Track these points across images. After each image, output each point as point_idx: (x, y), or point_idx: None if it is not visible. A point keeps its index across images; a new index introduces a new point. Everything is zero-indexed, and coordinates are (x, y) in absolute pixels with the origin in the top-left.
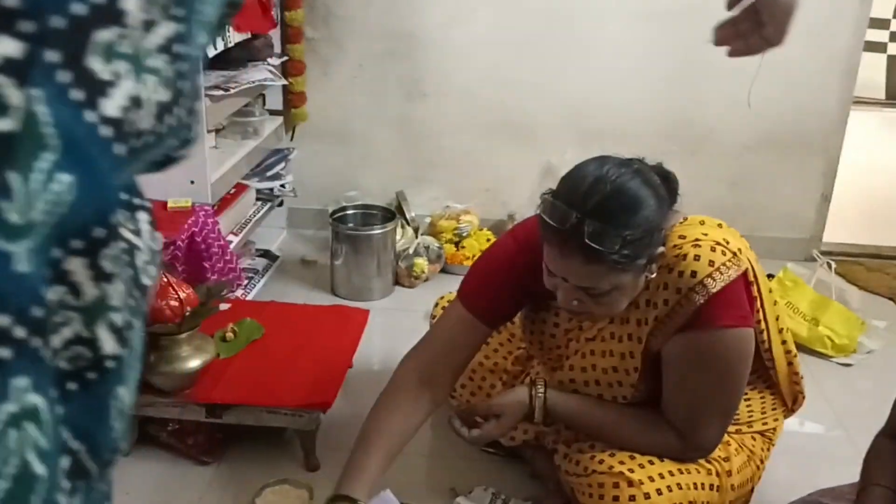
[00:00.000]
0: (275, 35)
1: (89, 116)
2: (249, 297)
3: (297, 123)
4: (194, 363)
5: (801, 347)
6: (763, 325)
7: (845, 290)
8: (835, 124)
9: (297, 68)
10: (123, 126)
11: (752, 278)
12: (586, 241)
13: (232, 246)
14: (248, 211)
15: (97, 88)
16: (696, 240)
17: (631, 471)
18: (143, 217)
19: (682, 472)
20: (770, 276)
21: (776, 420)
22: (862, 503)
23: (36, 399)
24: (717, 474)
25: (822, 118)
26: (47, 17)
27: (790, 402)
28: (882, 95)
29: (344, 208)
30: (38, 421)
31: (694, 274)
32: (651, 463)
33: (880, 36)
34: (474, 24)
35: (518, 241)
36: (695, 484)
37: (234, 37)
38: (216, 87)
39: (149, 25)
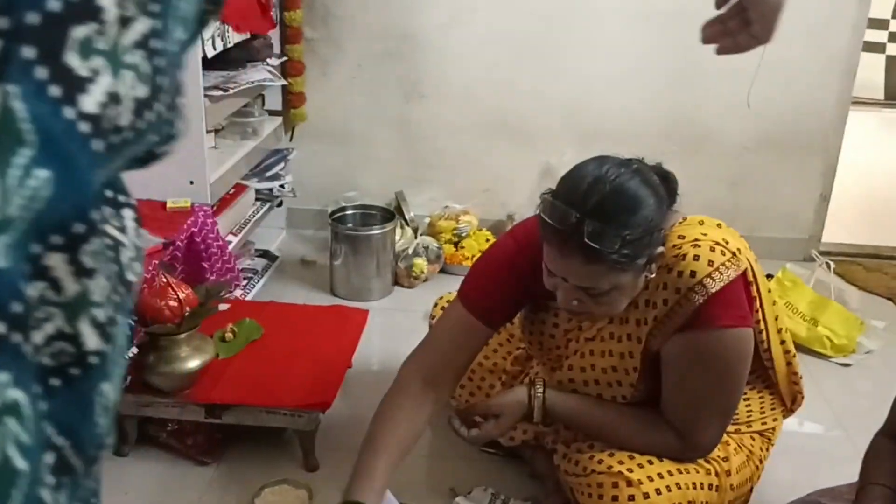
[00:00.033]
0: (274, 35)
1: (67, 113)
2: (249, 298)
3: (297, 124)
4: (193, 363)
5: (800, 347)
6: (762, 325)
7: (844, 290)
8: (834, 125)
9: (296, 69)
10: (102, 122)
11: (751, 278)
12: (586, 240)
13: (231, 246)
14: (247, 211)
15: (75, 85)
16: (696, 240)
17: (630, 470)
18: (128, 214)
19: (681, 472)
20: (769, 277)
21: (775, 420)
22: (860, 502)
23: (17, 394)
24: (717, 474)
25: (821, 118)
26: (21, 13)
27: (789, 402)
28: (881, 96)
29: (343, 208)
30: (20, 416)
31: (693, 274)
32: (650, 463)
33: (879, 36)
34: (473, 24)
35: (518, 241)
36: (694, 484)
37: (234, 37)
38: (215, 87)
39: (126, 21)
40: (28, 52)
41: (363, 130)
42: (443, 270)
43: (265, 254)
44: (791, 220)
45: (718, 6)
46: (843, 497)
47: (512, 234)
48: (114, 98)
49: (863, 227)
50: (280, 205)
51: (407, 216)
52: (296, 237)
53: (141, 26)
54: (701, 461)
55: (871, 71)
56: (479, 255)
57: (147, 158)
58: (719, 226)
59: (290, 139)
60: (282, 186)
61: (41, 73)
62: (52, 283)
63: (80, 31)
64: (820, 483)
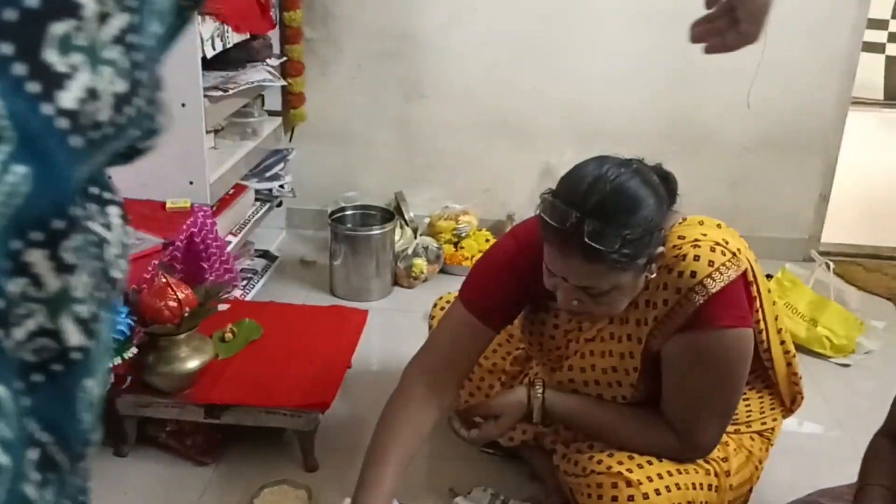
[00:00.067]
0: (273, 36)
1: (46, 109)
2: (248, 298)
3: (296, 124)
4: (193, 364)
5: (800, 348)
6: (762, 325)
7: (844, 290)
8: (833, 125)
9: (295, 69)
10: (80, 118)
11: (751, 278)
12: (586, 240)
13: (231, 246)
14: (246, 211)
15: (54, 81)
16: (696, 240)
17: (629, 471)
18: (113, 211)
19: (680, 473)
20: (768, 277)
21: (775, 420)
22: (860, 503)
23: None
24: (716, 474)
25: (821, 119)
26: None
27: (788, 402)
28: (881, 96)
29: (343, 209)
30: (1, 411)
31: (693, 274)
32: (650, 463)
33: (879, 37)
34: (473, 24)
35: (519, 241)
36: (693, 484)
37: (233, 37)
38: (215, 87)
39: (104, 17)
40: (6, 48)
41: (363, 130)
42: (442, 271)
43: (265, 254)
44: (791, 221)
45: (708, 6)
46: (843, 497)
47: (512, 234)
48: (92, 94)
49: (862, 228)
50: (280, 205)
51: (406, 216)
52: (295, 237)
53: (119, 21)
54: (700, 461)
55: (871, 71)
56: (478, 255)
57: (130, 154)
58: (719, 226)
59: (290, 139)
60: (281, 187)
61: (19, 69)
62: (33, 279)
63: (58, 28)
64: (819, 483)
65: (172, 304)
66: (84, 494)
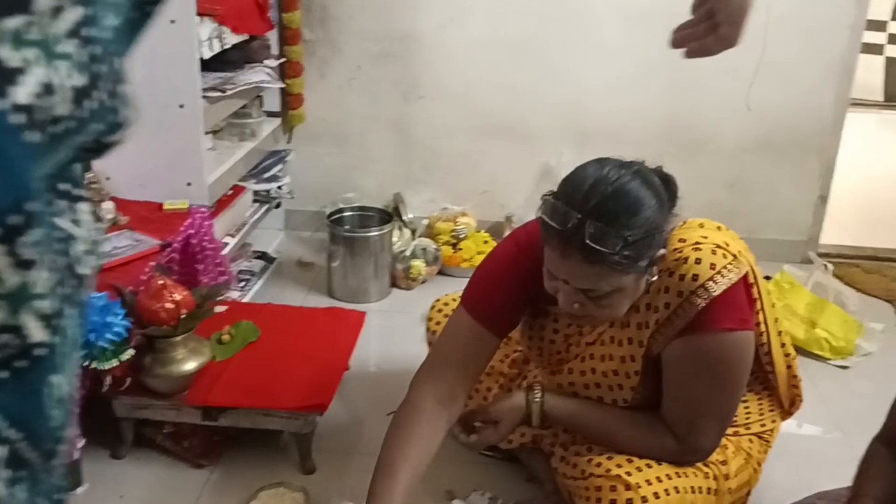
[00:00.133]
0: (272, 37)
1: None
2: (246, 300)
3: (295, 125)
4: (190, 366)
5: (798, 350)
6: (763, 328)
7: (842, 292)
8: (832, 126)
9: (294, 70)
10: (36, 113)
11: (752, 280)
12: (587, 241)
13: (229, 248)
14: (245, 213)
15: (6, 76)
16: (697, 243)
17: (628, 474)
18: (83, 207)
19: (679, 476)
20: (767, 279)
21: (774, 422)
22: None
23: None
24: (715, 478)
25: (820, 120)
26: None
27: (787, 404)
28: (880, 97)
29: (341, 210)
30: None
31: (695, 277)
32: (648, 466)
33: (878, 38)
34: (472, 26)
35: (520, 245)
36: (692, 487)
37: (231, 38)
38: (213, 88)
39: (57, 11)
40: None
41: (361, 132)
42: (441, 272)
43: (263, 255)
44: (789, 222)
45: (693, 11)
46: (841, 500)
47: (513, 238)
48: (48, 88)
49: (861, 229)
50: (278, 206)
51: (405, 218)
52: (293, 239)
53: (73, 15)
54: (699, 465)
55: (870, 72)
56: (477, 256)
57: (97, 149)
58: (719, 228)
59: (288, 141)
60: (280, 188)
61: None
62: None
63: (10, 23)
64: (818, 486)
65: (169, 305)
66: (60, 493)
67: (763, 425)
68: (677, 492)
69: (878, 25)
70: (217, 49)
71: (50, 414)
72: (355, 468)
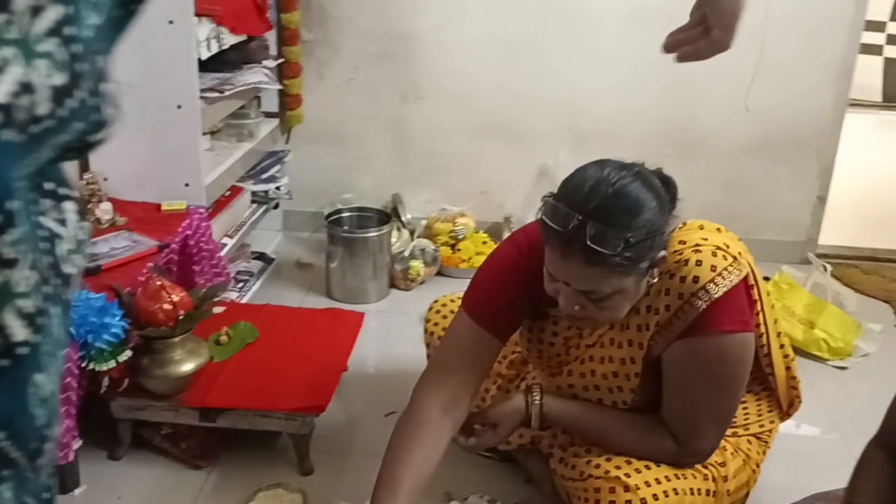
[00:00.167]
0: (270, 37)
1: None
2: (244, 300)
3: (293, 126)
4: (188, 367)
5: (797, 350)
6: (763, 329)
7: (841, 292)
8: (830, 127)
9: (292, 70)
10: (14, 112)
11: (752, 282)
12: (588, 243)
13: (227, 248)
14: (243, 213)
15: None
16: (697, 245)
17: (627, 475)
18: (68, 207)
19: (678, 478)
20: (766, 279)
21: (772, 423)
22: None
23: None
24: (714, 479)
25: (818, 121)
26: None
27: (786, 406)
28: (879, 98)
29: (339, 211)
30: None
31: (696, 279)
32: (647, 468)
33: (877, 38)
34: (470, 26)
35: (521, 248)
36: (691, 489)
37: (229, 39)
38: (211, 89)
39: (36, 10)
40: None
41: (359, 132)
42: (439, 273)
43: (261, 256)
44: (788, 223)
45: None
46: (839, 501)
47: (512, 240)
48: (26, 87)
49: (860, 230)
50: (276, 207)
51: (403, 218)
52: (292, 239)
53: (53, 14)
54: (698, 466)
55: (869, 73)
56: (475, 257)
57: (81, 148)
58: (719, 230)
59: (287, 141)
60: (278, 188)
61: None
62: None
63: None
64: (816, 486)
65: (167, 306)
66: (49, 492)
67: (762, 426)
68: (676, 493)
69: (876, 26)
70: (215, 49)
71: (34, 413)
72: (353, 469)
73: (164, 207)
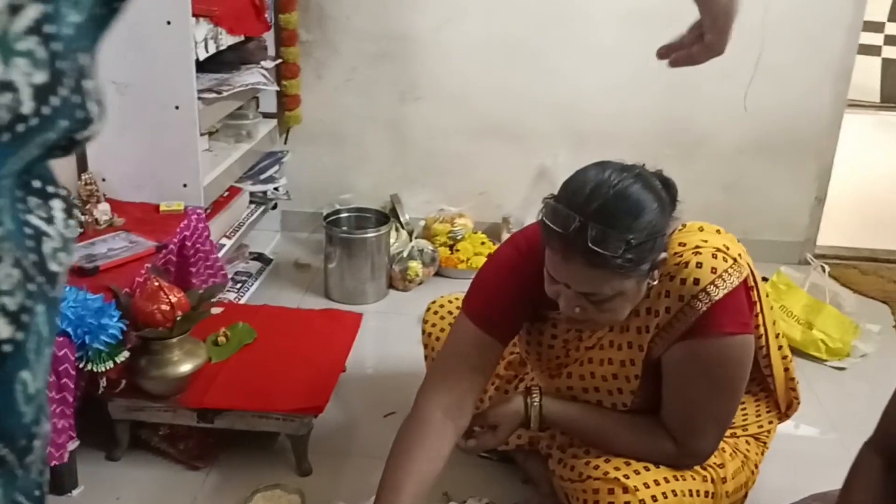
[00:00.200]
0: (269, 38)
1: None
2: (242, 301)
3: (291, 126)
4: (186, 367)
5: (795, 351)
6: (762, 331)
7: (839, 293)
8: (829, 127)
9: (291, 71)
10: None
11: (751, 283)
12: (589, 244)
13: (225, 249)
14: (241, 214)
15: None
16: (697, 247)
17: (626, 477)
18: (56, 205)
19: (677, 479)
20: (764, 280)
21: (770, 423)
22: None
23: None
24: (713, 481)
25: (817, 121)
26: None
27: (784, 407)
28: (877, 98)
29: (338, 211)
30: None
31: (697, 281)
32: (646, 469)
33: (875, 39)
34: (468, 27)
35: (520, 250)
36: (690, 491)
37: (227, 39)
38: (209, 90)
39: (15, 9)
40: None
41: (358, 133)
42: (438, 273)
43: (259, 257)
44: (786, 223)
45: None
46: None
47: (512, 242)
48: (7, 86)
49: (858, 230)
50: (275, 207)
51: (402, 219)
52: (290, 240)
53: (32, 12)
54: (697, 468)
55: (867, 74)
56: (474, 258)
57: (68, 145)
58: (718, 231)
59: (285, 142)
60: (276, 189)
61: None
62: None
63: None
64: (814, 487)
65: (165, 307)
66: (40, 489)
67: (760, 426)
68: (675, 495)
69: (875, 27)
70: (213, 50)
71: (21, 410)
72: (351, 470)
73: (162, 208)
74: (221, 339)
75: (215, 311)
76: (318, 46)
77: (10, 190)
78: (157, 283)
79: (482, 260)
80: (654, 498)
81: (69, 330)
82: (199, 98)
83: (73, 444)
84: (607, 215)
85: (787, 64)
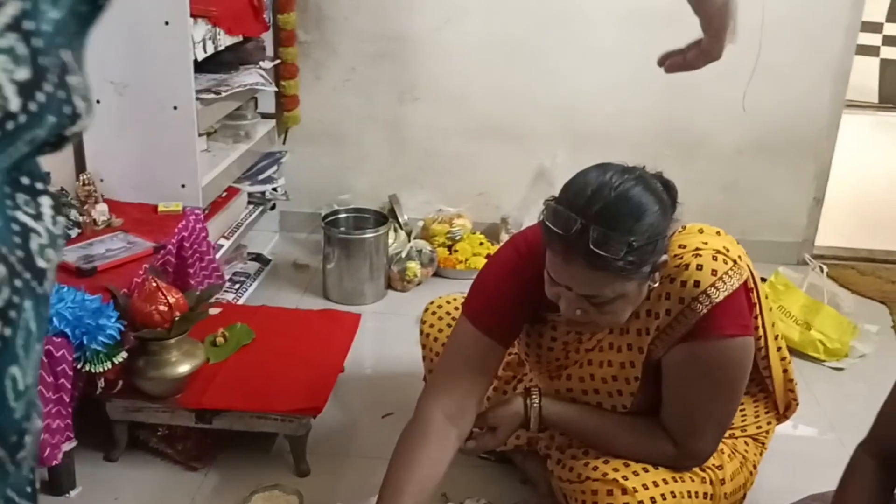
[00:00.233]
0: (267, 38)
1: None
2: (241, 302)
3: (290, 126)
4: (184, 368)
5: (793, 351)
6: (761, 332)
7: (837, 293)
8: (827, 128)
9: (289, 71)
10: None
11: (751, 285)
12: (591, 247)
13: (223, 250)
14: (239, 214)
15: None
16: (697, 249)
17: (625, 478)
18: (45, 202)
19: (676, 481)
20: (762, 280)
21: (769, 423)
22: None
23: None
24: (711, 482)
25: (815, 122)
26: None
27: (783, 408)
28: (875, 99)
29: (336, 212)
30: None
31: (697, 284)
32: (645, 470)
33: (873, 40)
34: (466, 27)
35: (520, 252)
36: (689, 492)
37: (226, 40)
38: (207, 90)
39: None
40: None
41: (356, 133)
42: (436, 274)
43: (258, 257)
44: (784, 224)
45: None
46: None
47: (512, 244)
48: None
49: (856, 231)
50: (273, 208)
51: (400, 219)
52: (289, 240)
53: (10, 9)
54: (696, 469)
55: (866, 74)
56: (472, 258)
57: (57, 142)
58: (718, 233)
59: (284, 142)
60: (275, 189)
61: None
62: None
63: None
64: (813, 488)
65: (163, 308)
66: (32, 486)
67: (759, 427)
68: (674, 496)
69: (873, 27)
70: (211, 50)
71: (12, 406)
72: (350, 471)
73: (160, 209)
74: (220, 339)
75: (213, 311)
76: (316, 47)
77: None
78: (155, 284)
79: (481, 260)
80: (652, 499)
81: (67, 330)
82: (198, 98)
83: (70, 445)
84: (609, 217)
85: (785, 64)
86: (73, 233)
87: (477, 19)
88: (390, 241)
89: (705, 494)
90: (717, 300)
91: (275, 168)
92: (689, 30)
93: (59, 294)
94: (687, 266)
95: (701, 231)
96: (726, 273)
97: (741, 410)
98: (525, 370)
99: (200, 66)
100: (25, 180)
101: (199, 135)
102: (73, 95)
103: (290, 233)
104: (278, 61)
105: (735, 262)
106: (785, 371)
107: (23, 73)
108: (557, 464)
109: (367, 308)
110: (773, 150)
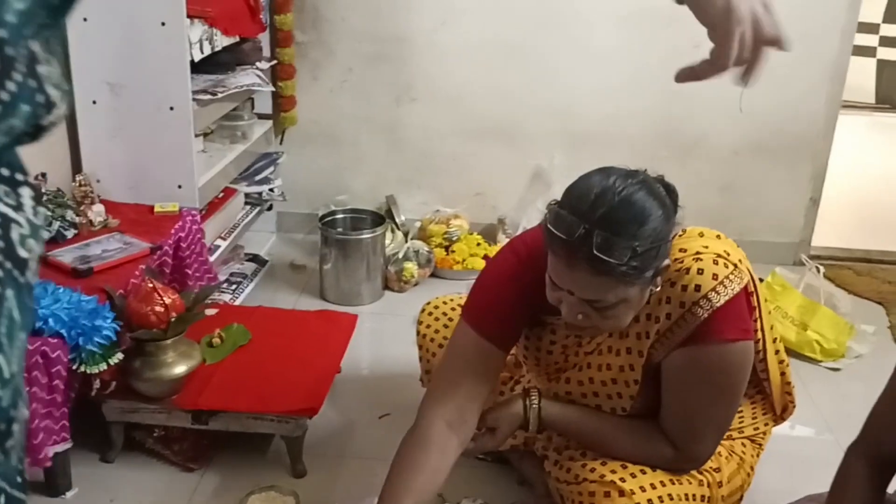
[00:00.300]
0: (264, 39)
1: None
2: (238, 302)
3: (287, 127)
4: (180, 369)
5: (790, 352)
6: (759, 335)
7: (834, 294)
8: (824, 129)
9: (286, 72)
10: None
11: (751, 289)
12: (595, 252)
13: (220, 250)
14: (236, 215)
15: None
16: (698, 253)
17: (623, 480)
18: (25, 192)
19: (673, 483)
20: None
21: (766, 425)
22: None
23: None
24: (709, 485)
25: (812, 123)
26: None
27: (780, 410)
28: (872, 100)
29: (333, 212)
30: None
31: (698, 288)
32: (643, 472)
33: (870, 40)
34: (464, 28)
35: (520, 257)
36: (686, 495)
37: (222, 40)
38: (204, 91)
39: None
40: None
41: (354, 134)
42: (433, 275)
43: (255, 258)
44: (781, 224)
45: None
46: None
47: (511, 248)
48: None
49: (853, 231)
50: (270, 209)
51: (397, 220)
52: (286, 241)
53: None
54: (694, 472)
55: (862, 75)
56: (469, 258)
57: (34, 132)
58: (718, 237)
59: (280, 143)
60: (271, 190)
61: None
62: None
63: None
64: (810, 488)
65: (159, 309)
66: (21, 476)
67: (756, 428)
68: (671, 499)
69: (869, 28)
70: (208, 51)
71: None
72: (346, 471)
73: (156, 209)
74: (216, 340)
75: (210, 312)
76: (313, 47)
77: None
78: (151, 285)
79: (478, 261)
80: (649, 501)
81: (63, 331)
82: (194, 99)
83: (66, 446)
84: (613, 222)
85: (782, 65)
86: (70, 233)
87: (474, 20)
88: (387, 241)
89: (703, 497)
90: (718, 304)
91: (272, 169)
92: (688, 31)
93: (55, 295)
94: (688, 270)
95: (701, 234)
96: (727, 277)
97: (738, 412)
98: (522, 371)
99: (197, 67)
100: (5, 171)
101: (196, 135)
102: (44, 84)
103: (287, 233)
104: (275, 62)
105: (736, 265)
106: (782, 374)
107: None
108: (555, 465)
109: (364, 309)
110: (770, 150)
